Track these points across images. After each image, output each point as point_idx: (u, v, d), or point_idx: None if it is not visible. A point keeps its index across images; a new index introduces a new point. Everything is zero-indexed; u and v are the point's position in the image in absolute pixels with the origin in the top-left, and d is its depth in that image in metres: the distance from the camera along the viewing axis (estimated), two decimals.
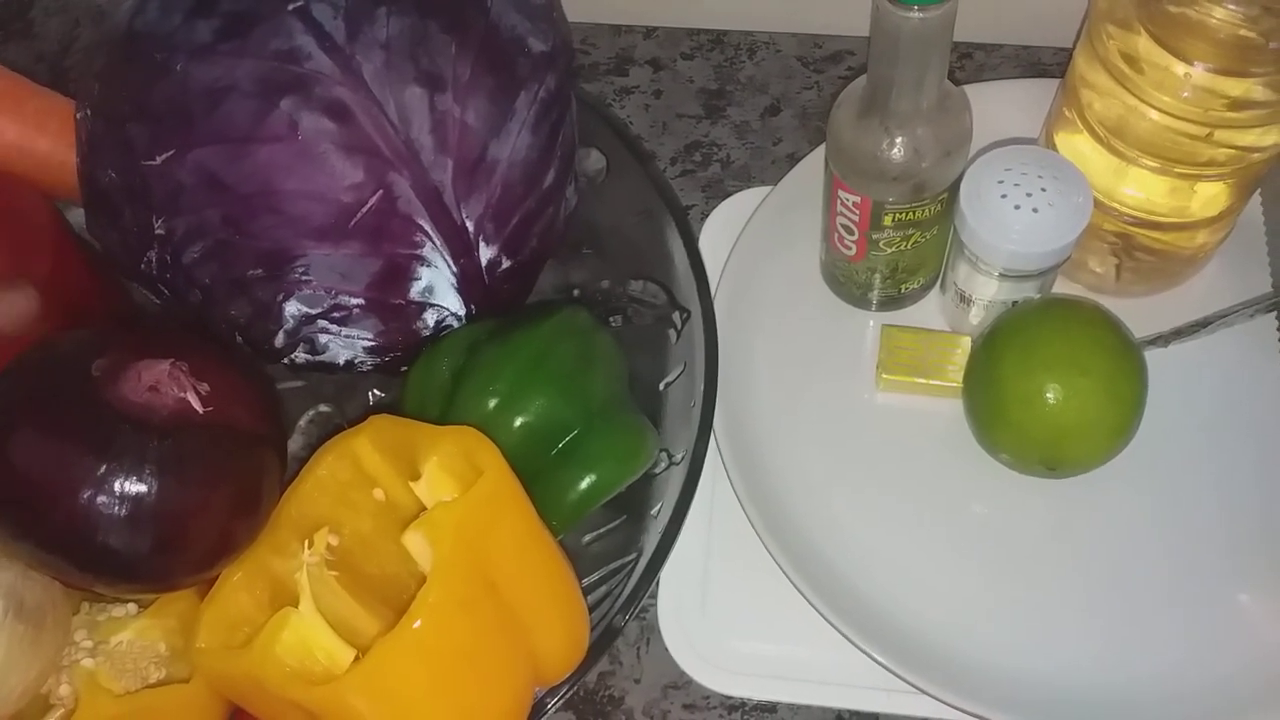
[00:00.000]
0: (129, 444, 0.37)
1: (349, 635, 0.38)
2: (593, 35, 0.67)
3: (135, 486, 0.37)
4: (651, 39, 0.67)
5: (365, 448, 0.41)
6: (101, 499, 0.36)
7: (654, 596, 0.51)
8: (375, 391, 0.54)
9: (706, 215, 0.61)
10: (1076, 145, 0.50)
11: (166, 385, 0.38)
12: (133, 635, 0.42)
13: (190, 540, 0.39)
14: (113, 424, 0.37)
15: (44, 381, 0.38)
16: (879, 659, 0.46)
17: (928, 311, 0.56)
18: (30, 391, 0.38)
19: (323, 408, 0.54)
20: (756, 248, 0.57)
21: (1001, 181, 0.47)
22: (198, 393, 0.39)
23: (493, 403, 0.44)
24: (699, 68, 0.66)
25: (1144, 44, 0.45)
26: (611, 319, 0.55)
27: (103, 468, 0.36)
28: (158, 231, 0.43)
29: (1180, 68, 0.44)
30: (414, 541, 0.38)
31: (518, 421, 0.44)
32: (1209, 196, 0.49)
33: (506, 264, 0.48)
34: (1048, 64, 0.64)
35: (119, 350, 0.39)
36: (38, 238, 0.48)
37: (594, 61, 0.67)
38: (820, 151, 0.58)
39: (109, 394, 0.38)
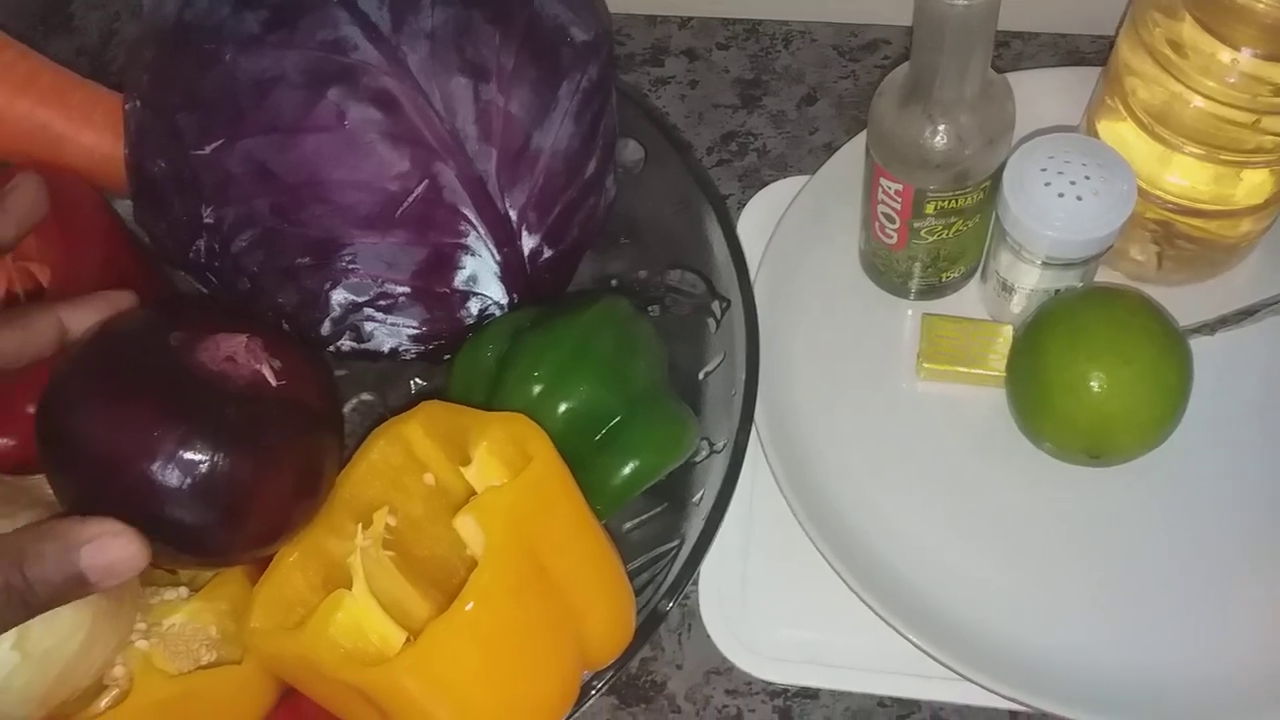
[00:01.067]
0: (207, 408, 0.38)
1: (400, 617, 0.39)
2: (628, 26, 0.68)
3: (211, 449, 0.37)
4: (686, 29, 0.67)
5: (416, 433, 0.42)
6: (178, 460, 0.37)
7: (694, 583, 0.52)
8: (417, 380, 0.55)
9: (743, 205, 0.61)
10: (1120, 133, 0.50)
11: (243, 357, 0.39)
12: (184, 618, 0.43)
13: (256, 511, 0.39)
14: (191, 388, 0.38)
15: (122, 348, 0.39)
16: (921, 645, 0.47)
17: (966, 301, 0.56)
18: (109, 356, 0.39)
19: (365, 396, 0.54)
20: (795, 237, 0.57)
21: (1045, 169, 0.47)
22: (271, 367, 0.39)
23: (537, 389, 0.44)
24: (734, 58, 0.66)
25: (1189, 30, 0.45)
26: (649, 309, 0.55)
27: (181, 429, 0.37)
28: (206, 220, 0.43)
29: (1227, 54, 0.44)
30: (466, 525, 0.38)
31: (562, 408, 0.44)
32: (1254, 184, 0.49)
33: (548, 253, 0.48)
34: (1085, 52, 0.64)
35: (196, 323, 0.40)
36: (89, 228, 0.49)
37: (629, 52, 0.67)
38: (858, 140, 0.58)
39: (187, 361, 0.38)
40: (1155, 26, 0.46)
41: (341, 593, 0.38)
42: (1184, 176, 0.49)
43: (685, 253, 0.55)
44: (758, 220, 0.60)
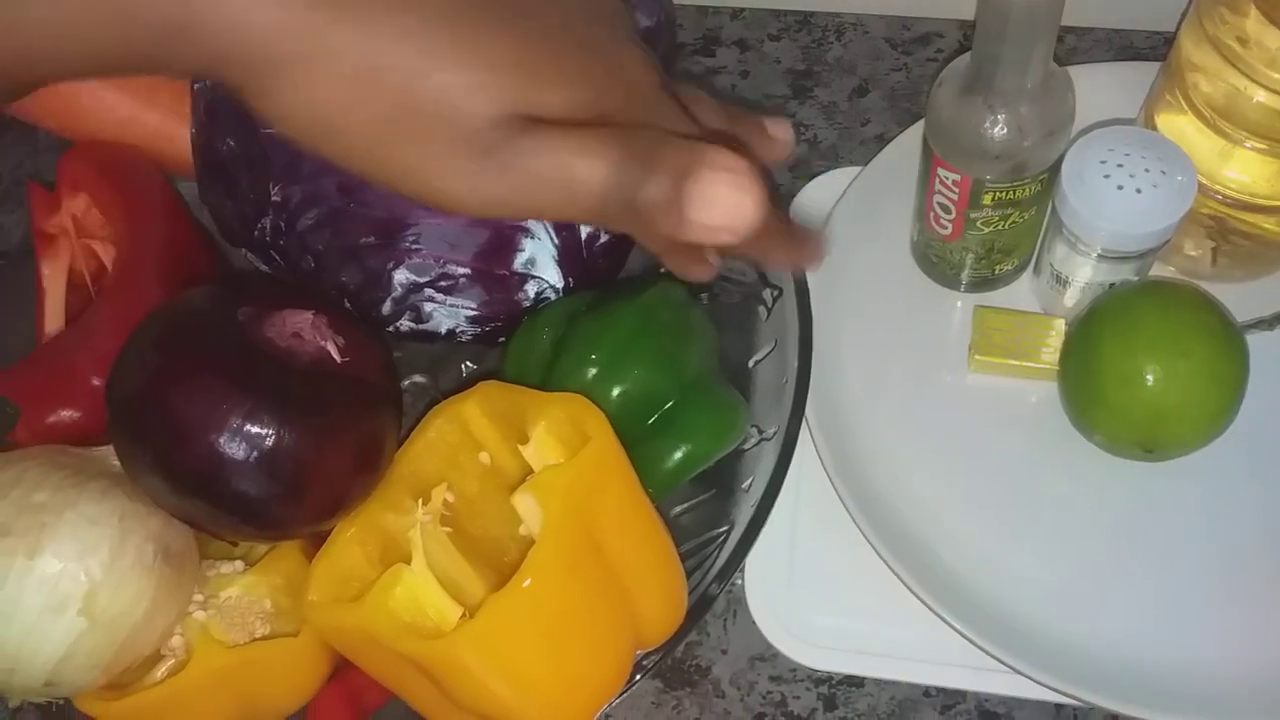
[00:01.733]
0: (273, 382, 0.38)
1: (455, 594, 0.39)
2: (679, 16, 0.68)
3: (277, 424, 0.38)
4: (738, 20, 0.67)
5: (474, 412, 0.42)
6: (245, 433, 0.38)
7: (740, 569, 0.52)
8: (468, 364, 0.55)
9: (794, 195, 0.61)
10: (1180, 127, 0.50)
11: (309, 333, 0.40)
12: (240, 591, 0.44)
13: (318, 485, 0.40)
14: (259, 362, 0.39)
15: (190, 322, 0.40)
16: (968, 636, 0.47)
17: (1017, 294, 0.56)
18: (177, 330, 0.40)
19: (418, 378, 0.55)
20: (846, 227, 0.57)
21: (1104, 161, 0.47)
22: (336, 344, 0.40)
23: (592, 372, 0.45)
24: (786, 49, 0.66)
25: (1254, 24, 0.45)
26: (699, 296, 0.56)
27: (249, 403, 0.38)
28: (274, 199, 0.44)
29: None
30: (524, 503, 0.39)
31: (616, 391, 0.45)
32: None
33: (604, 237, 0.48)
34: (1140, 47, 0.64)
35: (263, 299, 0.40)
36: (152, 207, 0.50)
37: (680, 42, 0.67)
38: (911, 132, 0.58)
39: (254, 336, 0.39)
40: (1222, 22, 0.46)
41: (401, 567, 0.39)
42: (1244, 171, 0.49)
43: None
44: (808, 211, 0.60)
